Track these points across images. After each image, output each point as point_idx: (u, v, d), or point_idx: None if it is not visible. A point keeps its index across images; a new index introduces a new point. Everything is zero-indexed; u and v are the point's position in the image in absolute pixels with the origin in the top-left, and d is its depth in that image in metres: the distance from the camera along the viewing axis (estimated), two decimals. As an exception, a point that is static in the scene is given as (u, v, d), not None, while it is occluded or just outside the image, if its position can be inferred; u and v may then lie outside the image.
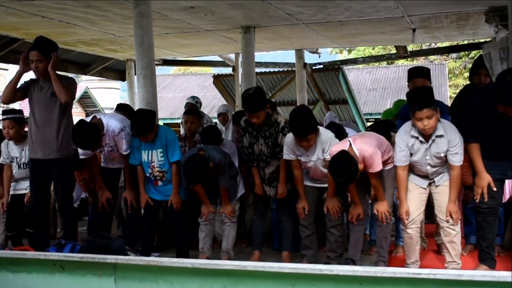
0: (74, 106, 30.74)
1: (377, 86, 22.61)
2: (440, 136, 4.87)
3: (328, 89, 13.99)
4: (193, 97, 9.68)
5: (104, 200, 6.22)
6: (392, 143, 5.30)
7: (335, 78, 13.43)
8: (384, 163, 5.10)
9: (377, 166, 4.95)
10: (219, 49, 11.99)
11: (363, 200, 5.29)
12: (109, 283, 3.48)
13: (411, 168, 5.10)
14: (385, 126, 6.08)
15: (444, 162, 4.99)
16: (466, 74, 21.57)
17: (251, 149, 5.76)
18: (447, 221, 4.98)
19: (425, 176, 5.13)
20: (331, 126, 6.00)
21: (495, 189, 4.92)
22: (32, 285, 3.64)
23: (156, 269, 3.40)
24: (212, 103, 21.99)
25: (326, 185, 5.38)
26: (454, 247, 5.04)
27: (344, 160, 4.69)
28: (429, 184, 5.15)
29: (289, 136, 5.36)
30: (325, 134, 5.36)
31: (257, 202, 6.00)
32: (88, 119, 6.16)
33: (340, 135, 5.69)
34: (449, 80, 24.26)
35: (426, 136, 4.89)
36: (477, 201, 5.01)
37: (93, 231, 7.24)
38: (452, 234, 4.99)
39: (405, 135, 5.01)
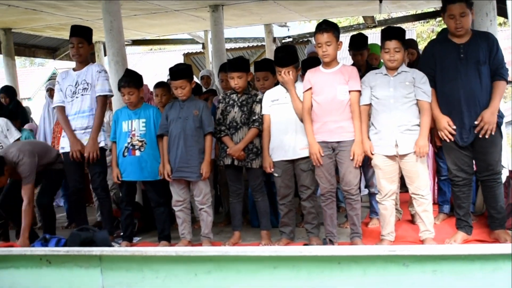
0: (43, 88, 30.00)
1: (346, 54, 22.64)
2: (405, 71, 5.04)
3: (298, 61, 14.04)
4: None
5: (75, 150, 5.93)
6: None
7: (304, 51, 13.48)
8: None
9: (358, 81, 5.19)
10: (188, 27, 11.97)
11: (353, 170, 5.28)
12: (96, 275, 3.56)
13: (378, 136, 5.13)
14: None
15: (409, 101, 5.01)
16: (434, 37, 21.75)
17: (222, 118, 5.82)
18: (418, 194, 5.11)
19: (391, 144, 5.08)
20: (312, 59, 6.08)
21: (454, 127, 4.99)
22: (20, 281, 3.71)
23: (141, 259, 3.49)
24: (183, 80, 21.87)
25: (301, 156, 5.44)
26: (428, 216, 5.17)
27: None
28: (397, 156, 5.12)
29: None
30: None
31: (230, 183, 6.02)
32: None
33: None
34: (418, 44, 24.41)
35: (391, 71, 5.05)
36: (443, 138, 5.08)
37: (71, 217, 7.31)
38: (424, 203, 5.12)
39: (370, 74, 5.22)
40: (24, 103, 28.13)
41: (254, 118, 5.69)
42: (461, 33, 4.89)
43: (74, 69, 6.12)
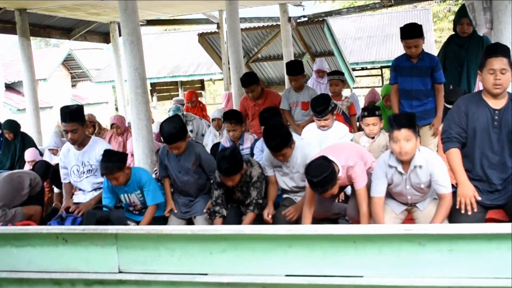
0: (58, 69, 30.04)
1: (362, 35, 22.50)
2: (419, 166, 4.32)
3: (313, 41, 13.96)
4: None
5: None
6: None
7: (320, 31, 13.40)
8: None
9: (364, 179, 4.60)
10: (203, 7, 11.92)
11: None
12: (112, 253, 3.59)
13: (389, 191, 4.58)
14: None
15: (427, 191, 4.49)
16: (451, 17, 21.48)
17: (221, 199, 5.43)
18: None
19: (403, 203, 4.66)
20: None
21: (479, 198, 4.29)
22: (36, 259, 3.74)
23: (157, 237, 3.51)
24: (198, 60, 21.83)
25: None
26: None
27: (321, 160, 4.42)
28: (408, 211, 4.70)
29: (266, 150, 5.27)
30: (307, 148, 5.26)
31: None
32: None
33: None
34: (433, 24, 24.19)
35: (405, 165, 4.36)
36: (463, 206, 4.29)
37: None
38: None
39: (383, 164, 4.46)
40: (40, 84, 28.38)
41: (248, 201, 5.33)
42: (499, 91, 4.20)
43: (75, 147, 5.74)
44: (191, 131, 8.42)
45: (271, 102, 6.89)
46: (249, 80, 6.91)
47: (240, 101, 7.37)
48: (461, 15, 6.30)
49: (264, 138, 5.03)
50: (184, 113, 8.98)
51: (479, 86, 5.89)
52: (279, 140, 4.90)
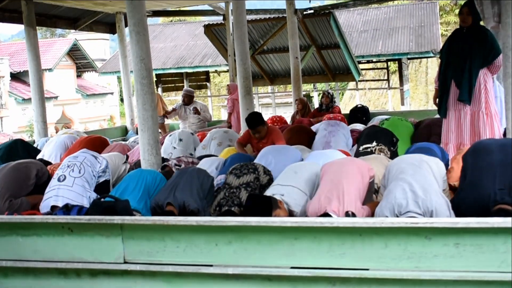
0: (64, 59, 30.12)
1: (368, 27, 22.38)
2: None
3: (319, 34, 13.90)
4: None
5: None
6: None
7: (326, 23, 13.33)
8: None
9: None
10: (209, -2, 11.90)
11: None
12: (117, 243, 3.59)
13: None
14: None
15: None
16: (457, 11, 21.44)
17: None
18: None
19: None
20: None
21: None
22: (42, 248, 3.76)
23: (163, 228, 3.51)
24: (204, 51, 21.78)
25: None
26: None
27: None
28: None
29: None
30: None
31: None
32: None
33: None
34: (440, 18, 24.08)
35: None
36: None
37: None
38: None
39: None
40: (45, 74, 28.40)
41: None
42: None
43: None
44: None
45: (272, 142, 6.68)
46: (255, 122, 6.74)
47: (245, 133, 7.22)
48: (464, 4, 6.21)
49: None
50: None
51: (480, 82, 5.85)
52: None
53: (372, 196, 4.47)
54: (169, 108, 11.96)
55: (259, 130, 6.68)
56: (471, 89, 5.83)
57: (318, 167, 4.67)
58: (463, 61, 5.92)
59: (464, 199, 3.87)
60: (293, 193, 4.34)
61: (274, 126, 7.52)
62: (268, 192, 4.43)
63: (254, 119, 6.77)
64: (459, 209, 3.79)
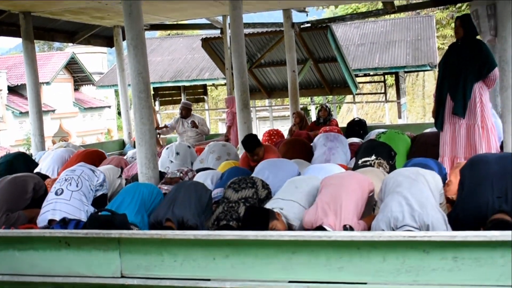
0: (61, 72, 30.16)
1: (365, 41, 22.46)
2: None
3: (317, 47, 13.94)
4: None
5: None
6: None
7: (323, 37, 13.37)
8: None
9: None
10: (206, 12, 11.89)
11: None
12: (115, 257, 3.58)
13: None
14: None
15: None
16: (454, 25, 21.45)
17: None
18: None
19: None
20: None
21: None
22: (39, 262, 3.74)
23: (160, 242, 3.50)
24: (201, 65, 21.82)
25: None
26: None
27: None
28: None
29: None
30: None
31: None
32: None
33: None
34: (436, 31, 24.18)
35: None
36: None
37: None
38: None
39: None
40: (43, 88, 28.41)
41: None
42: None
43: None
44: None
45: None
46: (252, 145, 6.64)
47: (243, 159, 7.17)
48: (457, 17, 6.23)
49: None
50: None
51: (475, 95, 5.86)
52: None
53: (371, 210, 4.47)
54: (162, 124, 11.95)
55: (257, 152, 6.61)
56: (465, 103, 5.83)
57: (318, 181, 4.67)
58: (458, 74, 5.93)
59: (463, 209, 3.90)
60: (293, 208, 4.34)
61: (268, 144, 7.48)
62: (268, 206, 4.43)
63: (252, 141, 6.70)
64: (458, 220, 3.81)
